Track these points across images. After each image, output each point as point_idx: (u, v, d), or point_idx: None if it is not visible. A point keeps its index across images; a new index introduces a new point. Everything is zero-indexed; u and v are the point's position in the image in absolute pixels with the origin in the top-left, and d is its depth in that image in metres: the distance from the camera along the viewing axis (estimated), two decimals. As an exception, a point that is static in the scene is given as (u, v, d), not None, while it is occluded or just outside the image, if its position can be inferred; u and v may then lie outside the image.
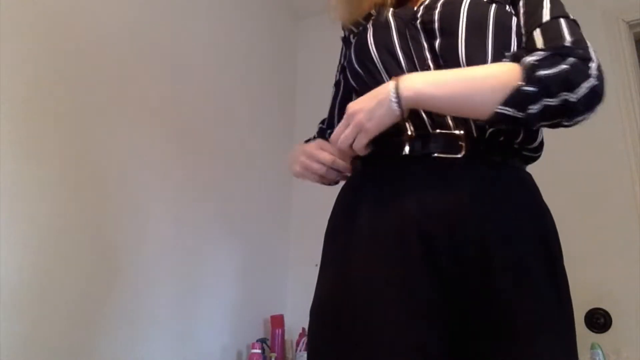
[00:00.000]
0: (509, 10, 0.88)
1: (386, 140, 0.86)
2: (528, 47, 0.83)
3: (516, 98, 0.73)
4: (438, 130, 0.82)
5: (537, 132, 0.88)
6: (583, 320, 1.93)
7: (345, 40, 1.11)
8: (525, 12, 0.87)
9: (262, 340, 2.14)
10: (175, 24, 2.06)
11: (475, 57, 0.83)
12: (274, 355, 2.15)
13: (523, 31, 0.86)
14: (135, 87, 1.81)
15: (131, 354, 1.64)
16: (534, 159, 0.90)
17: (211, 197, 2.13)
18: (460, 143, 0.80)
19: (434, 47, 0.86)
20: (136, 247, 1.73)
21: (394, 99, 0.77)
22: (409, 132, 0.83)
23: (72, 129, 1.56)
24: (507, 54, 0.82)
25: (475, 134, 0.82)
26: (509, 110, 0.73)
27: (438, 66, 0.84)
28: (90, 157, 1.61)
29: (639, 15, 2.25)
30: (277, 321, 2.26)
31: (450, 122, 0.82)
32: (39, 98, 1.47)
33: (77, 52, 1.61)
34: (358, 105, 0.81)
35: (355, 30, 1.03)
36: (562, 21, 0.83)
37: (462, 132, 0.81)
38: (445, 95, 0.76)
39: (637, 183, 2.09)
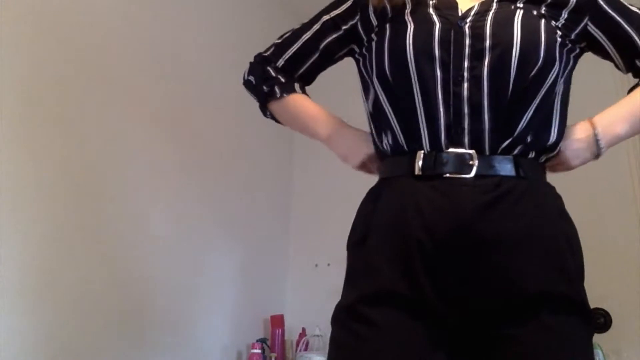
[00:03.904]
0: (553, 25, 0.89)
1: (400, 158, 0.88)
2: None
3: None
4: (451, 149, 0.83)
5: (552, 129, 0.89)
6: (583, 320, 1.93)
7: (362, 8, 0.99)
8: (611, 18, 0.91)
9: (262, 340, 2.14)
10: (173, 24, 2.06)
11: (525, 70, 0.84)
12: (274, 355, 2.15)
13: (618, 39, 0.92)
14: (134, 87, 1.81)
15: (131, 354, 1.64)
16: (551, 158, 0.91)
17: (211, 197, 2.13)
18: (471, 163, 0.82)
19: (479, 54, 0.85)
20: (136, 246, 1.73)
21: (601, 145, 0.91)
22: (423, 151, 0.85)
23: (72, 130, 1.56)
24: None
25: (487, 152, 0.83)
26: None
27: (473, 77, 0.84)
28: (90, 158, 1.61)
29: (639, 15, 2.25)
30: (277, 321, 2.26)
31: (465, 140, 0.83)
32: (38, 98, 1.47)
33: (76, 52, 1.61)
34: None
35: (376, 8, 0.96)
36: None
37: (473, 151, 0.82)
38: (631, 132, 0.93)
39: (637, 183, 2.09)
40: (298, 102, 1.06)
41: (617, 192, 2.09)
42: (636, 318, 1.90)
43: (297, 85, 1.06)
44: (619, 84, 2.20)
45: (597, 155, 0.92)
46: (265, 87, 1.06)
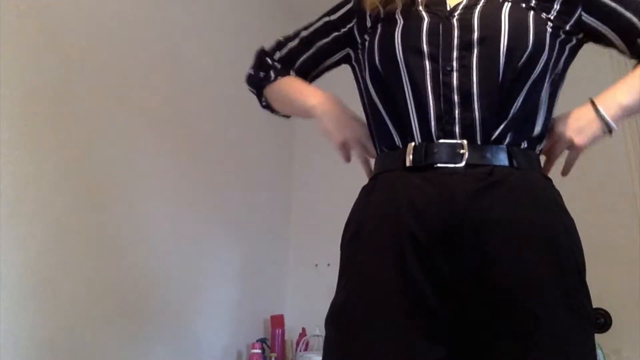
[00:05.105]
0: (544, 17, 0.89)
1: (393, 153, 0.88)
2: None
3: None
4: (442, 140, 0.83)
5: (537, 120, 0.88)
6: (583, 320, 1.93)
7: (358, 12, 1.02)
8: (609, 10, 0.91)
9: (262, 340, 2.14)
10: (174, 24, 2.06)
11: (513, 59, 0.84)
12: (274, 355, 2.15)
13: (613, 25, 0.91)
14: (134, 87, 1.81)
15: (131, 354, 1.64)
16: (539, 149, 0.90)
17: (211, 197, 2.13)
18: (462, 152, 0.82)
19: (467, 45, 0.85)
20: (136, 247, 1.73)
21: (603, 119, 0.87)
22: (414, 143, 0.85)
23: (72, 130, 1.56)
24: None
25: (479, 142, 0.83)
26: None
27: (462, 66, 0.85)
28: (90, 158, 1.61)
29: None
30: (277, 321, 2.26)
31: (456, 129, 0.83)
32: (38, 98, 1.47)
33: (76, 53, 1.61)
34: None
35: (369, 12, 0.98)
36: None
37: (464, 141, 0.82)
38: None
39: (637, 183, 2.09)
40: (290, 80, 1.08)
41: (617, 192, 2.09)
42: (636, 318, 1.90)
43: (292, 72, 1.10)
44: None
45: (607, 129, 0.88)
46: (261, 73, 1.11)
